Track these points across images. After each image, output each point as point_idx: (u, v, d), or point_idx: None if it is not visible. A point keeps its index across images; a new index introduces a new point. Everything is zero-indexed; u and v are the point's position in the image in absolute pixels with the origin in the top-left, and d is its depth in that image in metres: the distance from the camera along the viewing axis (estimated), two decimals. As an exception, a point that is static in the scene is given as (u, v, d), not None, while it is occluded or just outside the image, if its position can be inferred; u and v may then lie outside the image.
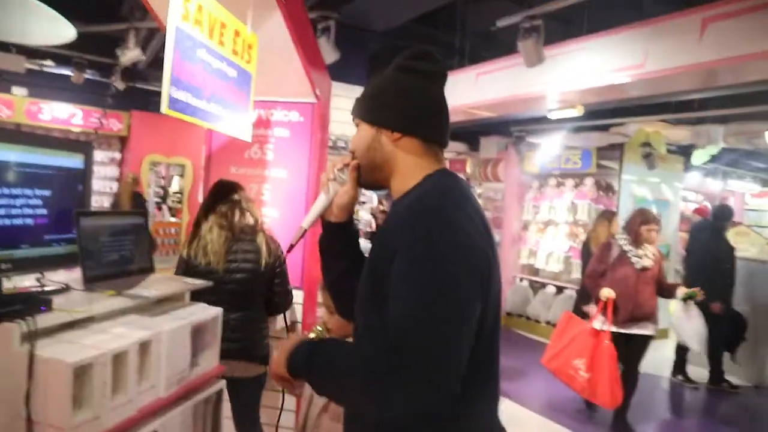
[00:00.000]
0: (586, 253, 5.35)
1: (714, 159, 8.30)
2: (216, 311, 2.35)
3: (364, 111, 1.29)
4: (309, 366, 1.16)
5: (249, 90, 2.63)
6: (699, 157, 7.50)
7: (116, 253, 2.20)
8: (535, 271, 8.70)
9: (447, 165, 1.30)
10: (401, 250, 1.06)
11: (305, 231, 1.37)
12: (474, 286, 1.05)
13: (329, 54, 4.05)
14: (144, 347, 1.81)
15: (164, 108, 1.94)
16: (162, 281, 2.36)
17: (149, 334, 1.84)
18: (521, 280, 8.86)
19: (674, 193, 8.71)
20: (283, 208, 3.64)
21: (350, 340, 1.36)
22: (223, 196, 2.85)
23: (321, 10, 4.04)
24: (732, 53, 3.30)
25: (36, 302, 1.65)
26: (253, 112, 3.58)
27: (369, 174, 1.30)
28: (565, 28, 4.69)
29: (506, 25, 4.10)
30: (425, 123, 1.25)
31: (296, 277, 3.60)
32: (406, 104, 1.24)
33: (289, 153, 3.63)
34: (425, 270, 1.01)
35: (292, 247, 1.41)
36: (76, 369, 1.48)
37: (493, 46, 5.78)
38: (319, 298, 2.84)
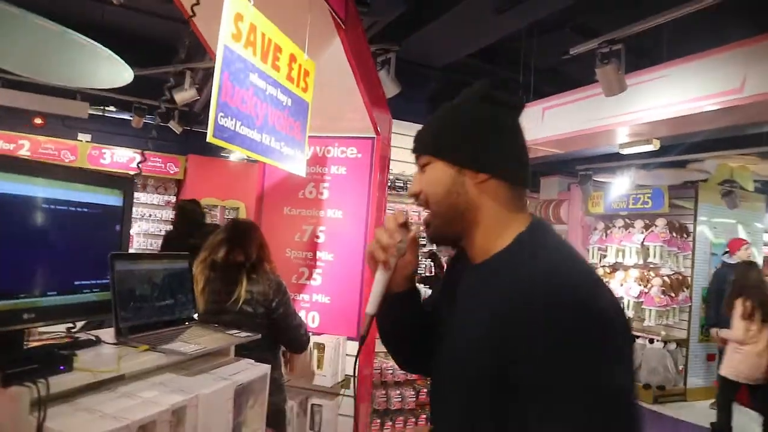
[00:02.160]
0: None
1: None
2: (264, 369, 2.07)
3: (441, 147, 1.05)
4: None
5: (305, 120, 2.40)
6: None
7: (156, 301, 1.95)
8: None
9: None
10: (552, 349, 0.80)
11: (372, 318, 1.14)
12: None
13: (389, 88, 3.83)
14: (178, 415, 1.53)
15: (210, 136, 1.70)
16: (204, 334, 2.10)
17: (184, 399, 1.57)
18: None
19: (754, 234, 8.02)
20: (339, 251, 3.37)
21: None
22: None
23: (381, 42, 3.85)
24: None
25: (54, 360, 1.40)
26: (309, 146, 3.38)
27: (445, 226, 1.05)
28: (636, 59, 4.33)
29: (580, 52, 3.78)
30: (514, 163, 1.04)
31: (352, 328, 3.29)
32: (493, 140, 1.02)
33: (346, 192, 3.38)
34: (590, 385, 0.78)
35: (363, 338, 1.15)
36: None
37: (557, 81, 5.47)
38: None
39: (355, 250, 3.33)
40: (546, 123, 5.02)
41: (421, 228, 1.15)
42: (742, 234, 7.75)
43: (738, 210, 7.66)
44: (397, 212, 1.13)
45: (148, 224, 9.12)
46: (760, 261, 7.58)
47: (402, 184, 4.49)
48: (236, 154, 8.53)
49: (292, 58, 2.24)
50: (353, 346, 3.28)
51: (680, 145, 5.47)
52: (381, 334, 1.27)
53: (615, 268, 8.23)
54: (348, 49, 2.69)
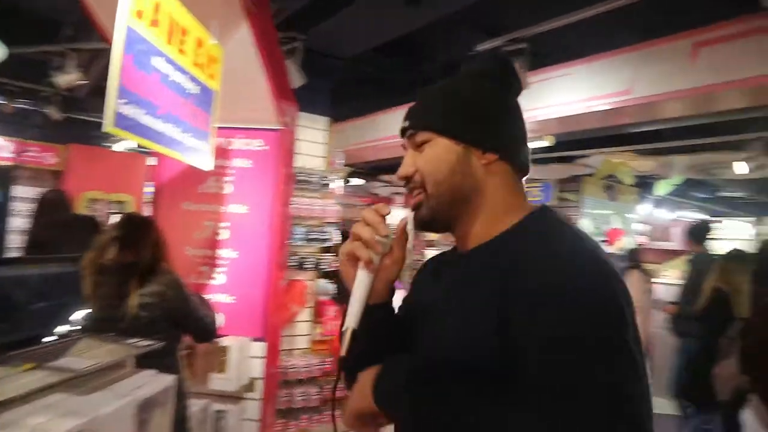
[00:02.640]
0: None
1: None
2: (169, 380, 1.89)
3: (446, 122, 0.95)
4: (419, 394, 0.84)
5: (211, 110, 2.22)
6: (662, 188, 7.52)
7: (38, 311, 1.72)
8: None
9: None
10: (552, 312, 0.76)
11: (355, 332, 0.93)
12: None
13: (295, 78, 3.68)
14: (74, 443, 1.34)
15: (108, 125, 1.51)
16: (98, 345, 1.89)
17: (80, 423, 1.38)
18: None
19: (626, 224, 8.78)
20: (244, 248, 3.19)
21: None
22: None
23: (287, 30, 3.68)
24: (725, 79, 3.16)
25: None
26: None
27: (443, 209, 0.96)
28: (534, 58, 4.50)
29: (485, 49, 3.87)
30: (521, 145, 0.99)
31: (258, 329, 3.14)
32: (502, 120, 0.97)
33: (251, 186, 3.20)
34: (586, 355, 0.74)
35: (344, 360, 0.92)
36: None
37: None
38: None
39: (261, 247, 3.17)
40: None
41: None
42: (617, 224, 8.44)
43: (616, 202, 8.33)
44: (379, 204, 1.00)
45: (21, 221, 8.20)
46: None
47: (305, 178, 4.34)
48: (123, 144, 7.89)
49: (199, 43, 2.06)
50: (258, 348, 3.13)
51: (570, 142, 5.79)
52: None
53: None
54: (257, 36, 2.54)
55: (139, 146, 6.15)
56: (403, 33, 4.27)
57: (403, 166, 0.99)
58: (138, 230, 2.39)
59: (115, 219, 2.76)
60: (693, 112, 3.67)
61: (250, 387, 3.08)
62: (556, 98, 4.20)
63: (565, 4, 3.53)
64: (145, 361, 2.11)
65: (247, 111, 3.07)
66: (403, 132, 1.01)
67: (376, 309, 0.97)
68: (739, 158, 5.39)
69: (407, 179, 0.99)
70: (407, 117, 1.02)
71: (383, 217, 0.97)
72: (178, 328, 2.45)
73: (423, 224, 0.98)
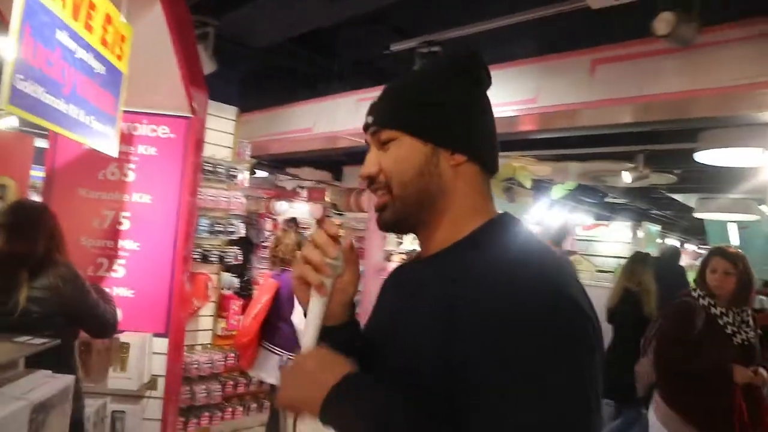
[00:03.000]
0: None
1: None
2: (66, 381, 1.75)
3: (414, 121, 0.90)
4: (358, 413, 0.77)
5: (119, 93, 2.09)
6: (557, 191, 8.02)
7: None
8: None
9: None
10: (505, 335, 0.72)
11: None
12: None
13: (205, 65, 3.53)
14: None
15: (5, 101, 1.37)
16: (-16, 343, 1.71)
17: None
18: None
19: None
20: (146, 239, 3.03)
21: None
22: None
23: (199, 14, 3.51)
24: (618, 95, 3.44)
25: None
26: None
27: (409, 212, 0.90)
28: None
29: (400, 49, 3.93)
30: (491, 146, 0.94)
31: (161, 322, 3.00)
32: (474, 119, 0.92)
33: (156, 175, 3.04)
34: (562, 373, 0.71)
35: None
36: None
37: (372, 73, 5.63)
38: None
39: (165, 239, 3.02)
40: (360, 113, 5.13)
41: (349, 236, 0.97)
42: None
43: (513, 204, 8.78)
44: (327, 222, 0.94)
45: None
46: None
47: (211, 168, 4.18)
48: (5, 122, 7.16)
49: (108, 20, 1.92)
50: (161, 344, 2.99)
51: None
52: None
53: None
54: (169, 17, 2.42)
55: (23, 125, 5.64)
56: (317, 27, 4.24)
57: (367, 164, 0.93)
58: (30, 218, 2.19)
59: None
60: (588, 123, 3.95)
61: (151, 385, 2.93)
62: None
63: (477, 11, 3.67)
64: (38, 361, 1.96)
65: (154, 95, 2.91)
66: (366, 127, 0.95)
67: (335, 331, 0.93)
68: (626, 168, 5.89)
69: (371, 179, 0.93)
70: (371, 112, 0.96)
71: (333, 237, 0.90)
72: (74, 324, 2.28)
73: (387, 226, 0.93)
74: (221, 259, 4.38)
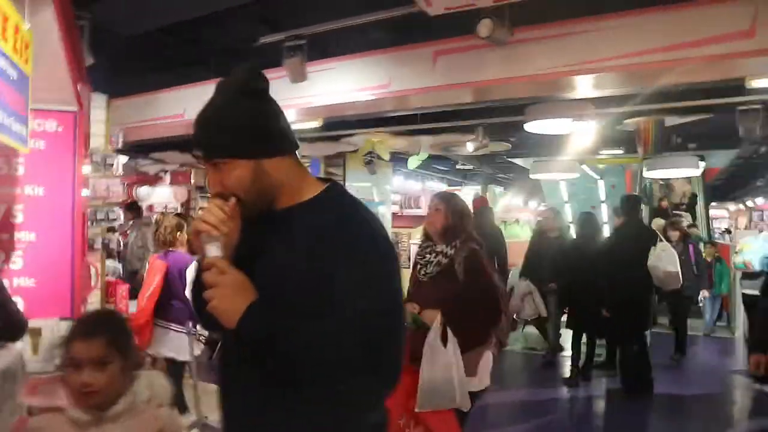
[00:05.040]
0: None
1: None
2: (17, 351, 2.00)
3: (234, 148, 1.21)
4: (273, 319, 1.16)
5: (28, 95, 2.31)
6: (413, 162, 8.84)
7: None
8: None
9: None
10: (358, 252, 1.17)
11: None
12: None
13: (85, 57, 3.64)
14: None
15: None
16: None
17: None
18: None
19: (385, 194, 10.09)
20: (43, 230, 3.18)
21: None
22: None
23: (75, 7, 3.58)
24: (456, 81, 4.16)
25: None
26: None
27: (259, 204, 1.25)
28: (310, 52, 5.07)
29: (268, 42, 4.29)
30: (288, 137, 1.29)
31: (66, 307, 3.19)
32: (272, 128, 1.25)
33: (46, 168, 3.18)
34: (388, 274, 1.21)
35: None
36: None
37: (238, 62, 5.88)
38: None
39: (63, 228, 3.20)
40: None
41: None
42: (376, 194, 9.64)
43: (375, 176, 9.49)
44: (217, 201, 1.22)
45: None
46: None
47: (99, 160, 4.26)
48: None
49: (16, 29, 2.14)
50: (67, 327, 3.18)
51: (338, 123, 6.54)
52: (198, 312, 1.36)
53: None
54: (60, 18, 2.63)
55: None
56: (188, 17, 4.45)
57: (213, 185, 1.25)
58: None
59: None
60: (433, 104, 4.67)
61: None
62: (328, 87, 4.83)
63: (334, 9, 4.17)
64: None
65: (42, 92, 3.02)
66: (197, 156, 1.27)
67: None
68: (468, 139, 6.79)
69: (219, 194, 1.23)
70: (197, 146, 1.24)
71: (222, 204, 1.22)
72: None
73: (250, 215, 1.25)
74: (106, 246, 4.50)
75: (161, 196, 11.71)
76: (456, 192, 14.18)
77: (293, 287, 1.19)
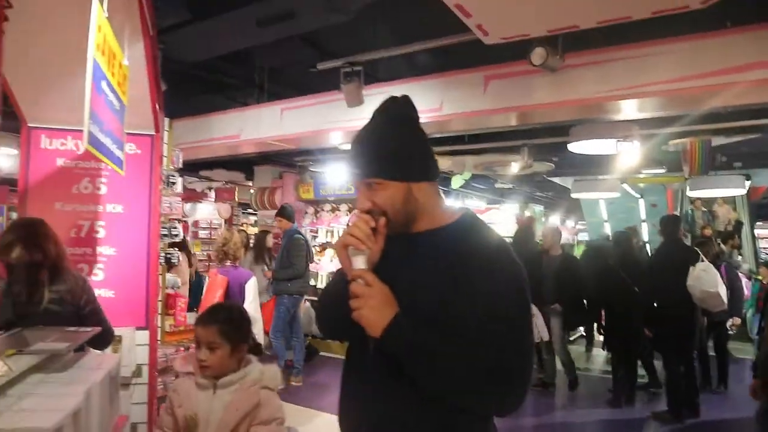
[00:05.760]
0: None
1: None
2: (116, 357, 2.20)
3: (391, 171, 1.31)
4: (415, 333, 1.22)
5: (123, 122, 2.54)
6: (456, 181, 8.96)
7: None
8: (317, 292, 9.15)
9: None
10: (501, 285, 1.24)
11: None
12: None
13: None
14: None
15: (86, 143, 1.85)
16: (45, 335, 2.10)
17: (85, 388, 1.71)
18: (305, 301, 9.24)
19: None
20: (121, 245, 3.42)
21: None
22: None
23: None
24: (506, 105, 4.30)
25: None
26: (81, 142, 3.34)
27: (403, 225, 1.34)
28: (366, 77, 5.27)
29: (326, 68, 4.51)
30: (436, 165, 1.41)
31: (141, 317, 3.41)
32: (422, 154, 1.36)
33: (125, 187, 3.43)
34: (526, 309, 1.29)
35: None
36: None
37: (287, 85, 6.16)
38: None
39: (139, 243, 3.43)
40: (284, 122, 5.65)
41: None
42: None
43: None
44: (365, 216, 1.32)
45: None
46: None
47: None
48: None
49: (119, 65, 2.37)
50: (142, 336, 3.40)
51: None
52: (331, 313, 1.45)
53: (324, 246, 9.39)
54: (148, 51, 2.86)
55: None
56: (248, 46, 4.72)
57: (362, 202, 1.33)
58: (39, 231, 2.55)
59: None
60: (482, 126, 4.81)
61: (137, 373, 3.34)
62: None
63: (386, 38, 4.37)
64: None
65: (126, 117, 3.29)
66: (354, 176, 1.34)
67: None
68: (514, 159, 6.90)
69: (368, 210, 1.32)
70: (356, 166, 1.33)
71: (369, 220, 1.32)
72: (83, 324, 2.64)
73: (393, 232, 1.33)
74: (168, 260, 4.75)
75: (205, 213, 12.06)
76: (495, 209, 14.24)
77: (435, 306, 1.25)
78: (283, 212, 6.21)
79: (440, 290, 1.25)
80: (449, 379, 1.21)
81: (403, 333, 1.22)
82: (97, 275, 3.35)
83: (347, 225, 1.41)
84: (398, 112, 1.37)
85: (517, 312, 1.24)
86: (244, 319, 2.11)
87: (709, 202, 10.59)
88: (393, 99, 1.39)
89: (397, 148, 1.32)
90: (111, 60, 2.17)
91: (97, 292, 3.29)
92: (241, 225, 13.39)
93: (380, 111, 1.37)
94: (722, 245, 8.65)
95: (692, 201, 10.38)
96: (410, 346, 1.22)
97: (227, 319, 2.00)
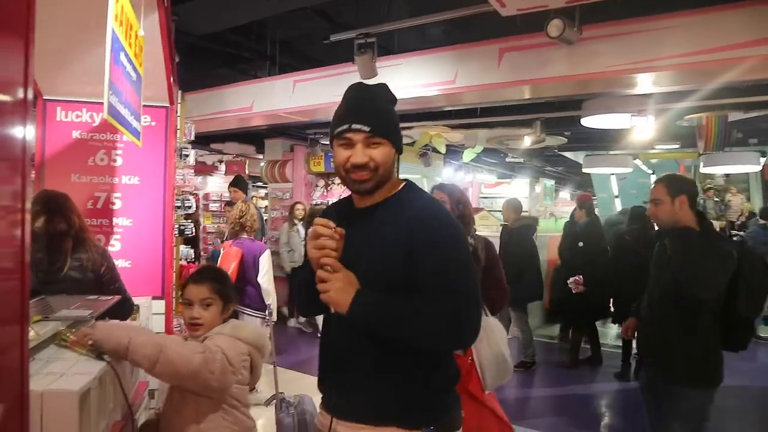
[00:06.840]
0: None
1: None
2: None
3: (393, 135, 1.53)
4: (376, 306, 1.45)
5: (141, 93, 2.55)
6: (468, 155, 8.93)
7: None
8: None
9: None
10: (443, 243, 1.45)
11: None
12: None
13: (169, 56, 3.90)
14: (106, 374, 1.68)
15: (106, 114, 1.86)
16: (68, 302, 2.16)
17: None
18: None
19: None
20: (138, 216, 3.46)
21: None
22: None
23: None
24: (520, 78, 4.25)
25: None
26: (97, 113, 3.36)
27: (381, 184, 1.53)
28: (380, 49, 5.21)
29: (340, 40, 4.47)
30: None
31: (157, 287, 3.47)
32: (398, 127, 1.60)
33: (141, 159, 3.46)
34: (467, 259, 1.50)
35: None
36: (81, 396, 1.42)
37: (299, 57, 6.12)
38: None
39: (155, 214, 3.48)
40: (296, 94, 5.63)
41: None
42: (426, 186, 9.77)
43: (428, 168, 9.60)
44: (323, 221, 1.48)
45: None
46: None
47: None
48: None
49: (135, 36, 2.37)
50: (159, 305, 3.46)
51: (399, 116, 6.70)
52: (306, 301, 1.72)
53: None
54: (162, 23, 2.85)
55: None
56: (258, 18, 4.68)
57: (360, 156, 1.47)
58: (63, 202, 2.61)
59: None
60: (496, 99, 4.76)
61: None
62: (396, 83, 4.99)
63: (400, 9, 4.31)
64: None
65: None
66: (354, 129, 1.46)
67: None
68: (526, 133, 6.85)
69: (361, 165, 1.48)
70: (364, 122, 1.46)
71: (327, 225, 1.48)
72: (102, 293, 2.71)
73: (367, 191, 1.53)
74: (182, 232, 4.80)
75: (216, 185, 12.11)
76: (505, 183, 14.14)
77: (389, 271, 1.47)
78: (238, 183, 6.69)
79: (397, 252, 1.45)
80: (413, 334, 1.44)
81: (367, 308, 1.44)
82: (114, 246, 3.41)
83: (308, 238, 1.49)
84: (387, 93, 1.60)
85: (462, 262, 1.47)
86: (230, 281, 2.20)
87: (721, 191, 10.44)
88: (376, 85, 1.61)
89: (396, 119, 1.57)
90: (128, 31, 2.17)
91: (114, 262, 3.38)
92: (251, 198, 13.46)
93: (370, 88, 1.59)
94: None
95: (705, 191, 10.24)
96: (374, 317, 1.45)
97: (217, 277, 2.06)
